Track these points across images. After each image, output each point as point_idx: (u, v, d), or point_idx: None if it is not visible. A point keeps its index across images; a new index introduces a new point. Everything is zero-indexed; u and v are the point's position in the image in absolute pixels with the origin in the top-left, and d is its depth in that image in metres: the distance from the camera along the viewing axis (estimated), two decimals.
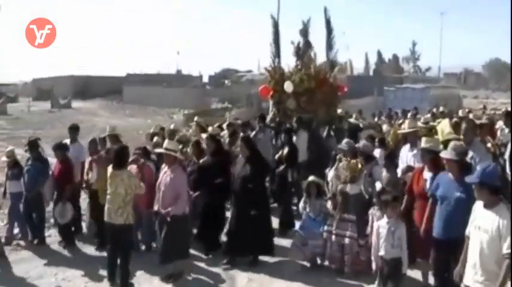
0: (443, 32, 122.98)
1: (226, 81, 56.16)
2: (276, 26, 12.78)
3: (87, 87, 54.71)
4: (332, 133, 12.40)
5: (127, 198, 7.37)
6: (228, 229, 8.49)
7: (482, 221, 4.87)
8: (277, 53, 12.91)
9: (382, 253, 6.63)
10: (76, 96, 49.89)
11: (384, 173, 8.49)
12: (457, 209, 5.97)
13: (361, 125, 13.98)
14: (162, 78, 54.99)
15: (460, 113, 16.50)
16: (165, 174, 7.89)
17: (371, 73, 71.72)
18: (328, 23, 12.89)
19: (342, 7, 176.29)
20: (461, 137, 8.56)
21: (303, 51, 12.93)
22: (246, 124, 13.01)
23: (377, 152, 10.02)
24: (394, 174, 8.69)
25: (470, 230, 5.13)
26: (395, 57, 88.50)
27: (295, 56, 13.11)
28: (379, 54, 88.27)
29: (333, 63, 13.22)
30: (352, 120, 13.84)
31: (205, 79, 64.19)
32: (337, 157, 8.37)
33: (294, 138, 11.42)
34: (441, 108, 19.07)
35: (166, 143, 8.07)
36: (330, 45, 13.07)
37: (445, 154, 6.30)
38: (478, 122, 11.11)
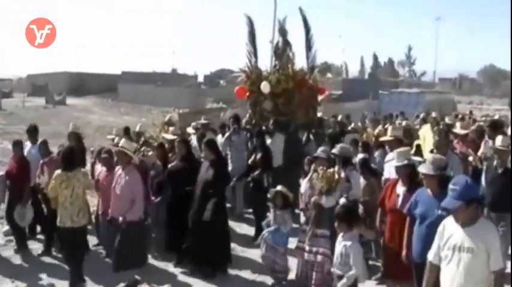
0: (438, 38, 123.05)
1: (221, 81, 55.51)
2: (251, 25, 12.04)
3: (82, 84, 54.02)
4: (311, 137, 11.80)
5: (85, 198, 7.12)
6: (187, 236, 7.94)
7: (462, 240, 4.37)
8: (254, 53, 12.13)
9: (333, 269, 6.12)
10: (71, 93, 49.18)
11: (361, 180, 8.05)
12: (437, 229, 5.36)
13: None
14: (157, 77, 54.30)
15: (447, 120, 15.90)
16: (120, 176, 7.38)
17: (366, 77, 71.04)
18: (305, 22, 12.18)
19: (338, 10, 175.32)
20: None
21: (282, 50, 12.21)
22: (223, 127, 12.41)
23: (360, 157, 9.42)
24: (370, 181, 8.34)
25: (441, 253, 4.58)
26: (390, 61, 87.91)
27: (274, 55, 12.34)
28: (375, 57, 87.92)
29: (312, 65, 12.35)
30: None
31: (201, 79, 63.59)
32: (312, 166, 7.76)
33: (269, 141, 10.86)
34: (433, 114, 18.47)
35: (122, 141, 7.49)
36: (308, 46, 12.31)
37: (423, 169, 5.68)
38: (462, 132, 10.62)
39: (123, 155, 7.35)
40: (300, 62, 12.64)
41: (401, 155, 6.65)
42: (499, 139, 7.93)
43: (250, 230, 9.88)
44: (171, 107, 44.84)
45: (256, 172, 9.89)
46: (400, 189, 6.47)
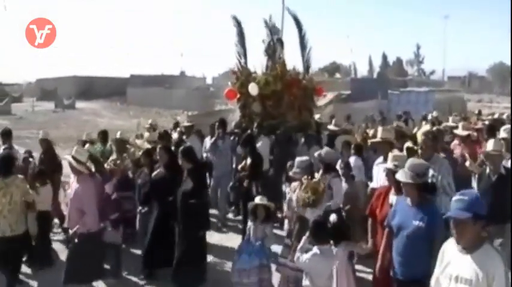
0: (447, 36, 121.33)
1: (229, 83, 54.72)
2: (239, 25, 11.20)
3: (90, 88, 53.61)
4: (302, 140, 10.92)
5: (23, 205, 6.69)
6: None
7: (460, 270, 3.72)
8: (243, 54, 11.29)
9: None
10: (80, 97, 48.77)
11: (343, 185, 7.43)
12: (416, 242, 4.77)
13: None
14: (165, 80, 53.70)
15: (450, 120, 14.91)
16: (73, 187, 6.67)
17: (375, 76, 69.83)
18: (296, 21, 11.31)
19: (346, 10, 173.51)
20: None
21: (273, 50, 11.33)
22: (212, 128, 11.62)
23: (352, 160, 8.91)
24: (352, 185, 7.84)
25: (439, 279, 3.89)
26: (399, 61, 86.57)
27: (266, 55, 11.46)
28: (384, 56, 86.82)
29: (307, 64, 11.47)
30: (330, 126, 12.20)
31: (209, 81, 62.92)
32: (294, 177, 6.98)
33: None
34: (434, 113, 17.48)
35: (74, 150, 6.66)
36: (302, 45, 11.43)
37: (401, 176, 4.90)
38: (462, 133, 9.71)
39: (72, 165, 6.54)
40: (295, 62, 11.81)
41: (395, 158, 5.93)
42: (490, 143, 7.02)
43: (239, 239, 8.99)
44: (180, 110, 44.37)
45: (246, 181, 9.11)
46: (393, 198, 5.76)
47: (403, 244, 4.89)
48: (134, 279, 7.65)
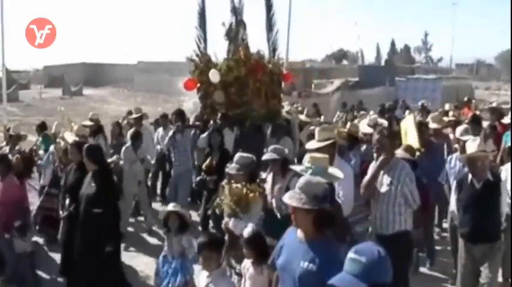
0: (455, 23, 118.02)
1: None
2: (203, 5, 9.67)
3: (98, 75, 52.32)
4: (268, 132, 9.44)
5: None
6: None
7: None
8: (203, 38, 9.75)
9: None
10: (87, 84, 47.60)
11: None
12: None
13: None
14: (173, 66, 52.25)
15: (447, 106, 13.27)
16: None
17: (382, 63, 67.70)
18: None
19: None
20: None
21: (235, 32, 9.75)
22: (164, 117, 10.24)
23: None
24: None
25: None
26: (406, 48, 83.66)
27: (227, 39, 9.87)
28: (393, 43, 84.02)
29: (274, 47, 9.89)
30: (302, 117, 10.70)
31: None
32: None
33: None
34: (422, 101, 15.80)
35: None
36: (269, 26, 9.86)
37: (290, 198, 3.31)
38: (433, 126, 8.20)
39: None
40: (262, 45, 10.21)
41: (317, 162, 4.50)
42: (471, 145, 5.40)
43: None
44: (186, 97, 43.06)
45: (210, 179, 7.75)
46: None
47: None
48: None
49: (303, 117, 10.67)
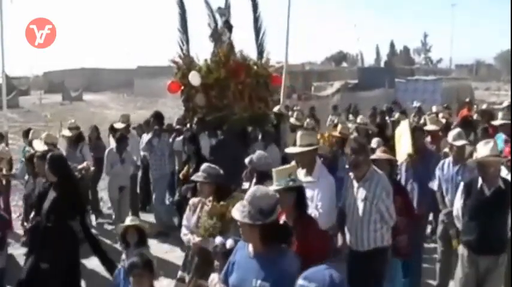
0: (454, 24, 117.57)
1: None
2: (182, 7, 9.21)
3: (98, 80, 52.30)
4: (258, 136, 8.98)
5: None
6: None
7: None
8: (186, 40, 9.32)
9: None
10: (87, 89, 47.56)
11: None
12: None
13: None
14: (172, 71, 52.03)
15: (434, 108, 12.72)
16: None
17: (382, 65, 67.21)
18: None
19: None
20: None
21: (220, 34, 9.26)
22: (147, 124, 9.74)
23: None
24: None
25: None
26: (406, 49, 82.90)
27: (212, 40, 9.38)
28: (392, 45, 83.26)
29: (261, 49, 9.42)
30: (292, 120, 10.19)
31: None
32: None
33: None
34: (415, 103, 15.29)
35: None
36: (256, 27, 9.39)
37: (236, 213, 3.02)
38: (431, 128, 7.75)
39: None
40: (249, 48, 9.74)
41: (282, 175, 3.99)
42: (483, 148, 4.85)
43: None
44: None
45: (185, 188, 7.21)
46: None
47: None
48: None
49: (293, 120, 10.14)
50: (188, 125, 9.04)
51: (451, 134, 6.14)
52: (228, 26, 9.32)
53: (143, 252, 4.53)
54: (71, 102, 42.55)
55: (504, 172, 5.74)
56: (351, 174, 4.83)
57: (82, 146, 8.75)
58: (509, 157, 5.81)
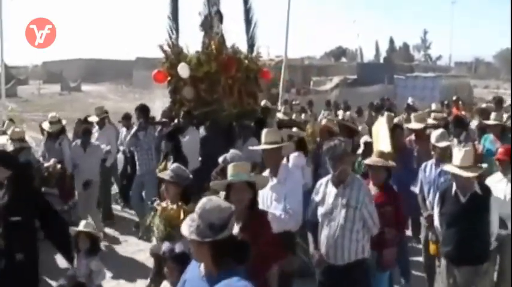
0: (454, 21, 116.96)
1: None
2: None
3: (96, 71, 51.75)
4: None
5: None
6: None
7: None
8: (175, 28, 8.94)
9: None
10: (86, 80, 47.16)
11: None
12: None
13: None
14: None
15: (434, 106, 12.33)
16: None
17: (381, 61, 66.69)
18: None
19: None
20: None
21: (210, 24, 8.90)
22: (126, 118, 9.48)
23: (292, 157, 6.49)
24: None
25: None
26: (405, 46, 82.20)
27: (202, 29, 9.02)
28: (391, 41, 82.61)
29: (252, 42, 9.07)
30: (280, 115, 9.86)
31: None
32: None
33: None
34: (409, 100, 14.87)
35: None
36: (247, 19, 9.05)
37: (183, 227, 2.63)
38: (416, 126, 7.36)
39: None
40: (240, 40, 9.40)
41: (243, 169, 3.86)
42: (458, 154, 4.56)
43: None
44: None
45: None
46: None
47: None
48: None
49: (280, 115, 9.79)
50: (175, 119, 8.69)
51: (434, 135, 5.82)
52: (220, 17, 8.97)
53: (75, 274, 4.22)
54: (69, 92, 42.30)
55: (499, 176, 5.43)
56: (325, 180, 4.46)
57: (62, 139, 8.43)
58: (504, 159, 5.45)
